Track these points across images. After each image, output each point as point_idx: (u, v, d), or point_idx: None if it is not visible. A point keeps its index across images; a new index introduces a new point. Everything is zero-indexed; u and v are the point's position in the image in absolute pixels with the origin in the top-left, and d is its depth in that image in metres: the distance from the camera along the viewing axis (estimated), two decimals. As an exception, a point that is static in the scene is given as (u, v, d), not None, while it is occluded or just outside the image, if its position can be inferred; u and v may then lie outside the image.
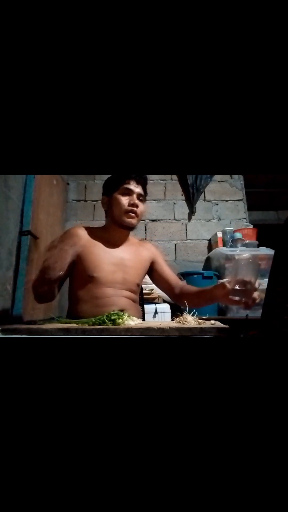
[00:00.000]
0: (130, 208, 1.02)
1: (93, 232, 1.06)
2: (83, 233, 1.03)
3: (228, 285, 0.84)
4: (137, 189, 1.04)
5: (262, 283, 0.73)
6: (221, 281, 0.86)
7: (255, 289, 0.78)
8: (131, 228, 1.05)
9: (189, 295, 1.04)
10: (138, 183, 1.05)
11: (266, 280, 0.58)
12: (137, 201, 1.03)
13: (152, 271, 1.15)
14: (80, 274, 0.98)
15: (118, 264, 1.02)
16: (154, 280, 1.17)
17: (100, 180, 2.61)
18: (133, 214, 1.02)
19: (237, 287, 0.80)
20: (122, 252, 1.06)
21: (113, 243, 1.05)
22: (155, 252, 1.16)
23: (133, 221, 1.03)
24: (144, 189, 1.07)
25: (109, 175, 1.11)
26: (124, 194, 1.03)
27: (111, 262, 1.01)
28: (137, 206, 1.03)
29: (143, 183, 1.07)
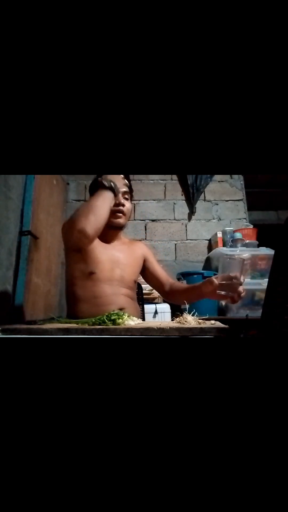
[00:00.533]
0: (116, 208, 1.01)
1: None
2: None
3: (215, 281, 0.87)
4: (122, 186, 1.02)
5: (262, 283, 0.74)
6: (210, 278, 0.88)
7: (240, 283, 0.82)
8: (120, 227, 1.06)
9: (179, 292, 1.07)
10: (122, 179, 1.03)
11: (266, 280, 0.58)
12: (122, 200, 1.02)
13: (144, 269, 1.16)
14: (79, 271, 0.98)
15: (115, 261, 1.03)
16: (145, 278, 1.18)
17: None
18: (120, 214, 1.02)
19: (223, 282, 0.84)
20: (117, 251, 1.06)
21: (107, 242, 1.05)
22: (146, 250, 1.17)
23: (121, 220, 1.03)
24: (129, 186, 1.07)
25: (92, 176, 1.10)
26: None
27: (109, 259, 1.01)
28: (123, 205, 1.02)
29: (127, 178, 1.07)
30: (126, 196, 1.05)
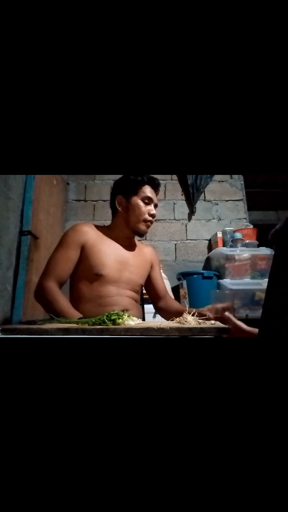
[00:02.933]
0: (149, 218, 1.03)
1: (98, 229, 1.05)
2: (88, 229, 1.02)
3: (211, 315, 0.86)
4: (155, 197, 1.05)
5: (262, 283, 0.75)
6: (201, 309, 0.88)
7: (232, 314, 0.81)
8: (142, 235, 1.07)
9: (169, 313, 1.09)
10: (156, 190, 1.06)
11: (266, 280, 0.58)
12: (155, 211, 1.04)
13: (147, 275, 1.16)
14: (85, 272, 0.97)
15: (123, 263, 1.02)
16: (145, 284, 1.17)
17: (100, 180, 2.61)
18: (150, 224, 1.04)
19: (217, 316, 0.86)
20: (127, 252, 1.06)
21: (119, 243, 1.05)
22: (155, 257, 1.17)
23: (147, 230, 1.05)
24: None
25: (123, 174, 1.10)
26: (144, 202, 1.03)
27: (117, 261, 1.01)
28: (154, 217, 1.04)
29: (158, 190, 1.09)
30: (156, 206, 1.07)
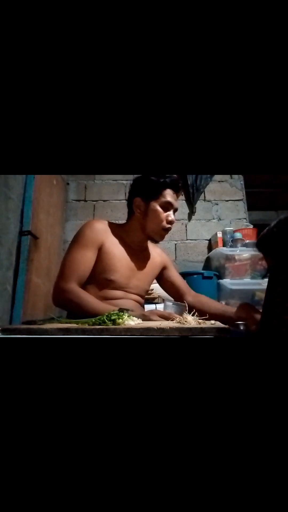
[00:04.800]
0: (168, 226, 0.97)
1: (113, 229, 0.99)
2: (106, 229, 0.97)
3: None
4: (176, 202, 0.98)
5: (262, 283, 0.74)
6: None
7: None
8: (158, 242, 1.03)
9: (207, 312, 0.97)
10: (177, 195, 0.99)
11: (266, 280, 0.58)
12: (174, 218, 0.98)
13: (162, 277, 1.13)
14: (96, 274, 0.94)
15: (134, 269, 1.00)
16: (163, 286, 1.14)
17: (100, 180, 2.61)
18: (167, 231, 0.99)
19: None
20: (139, 258, 1.03)
21: (132, 247, 1.01)
22: (166, 258, 1.14)
23: (164, 238, 1.00)
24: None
25: (149, 174, 1.00)
26: (164, 208, 0.96)
27: (129, 267, 0.98)
28: (173, 223, 0.98)
29: (180, 193, 1.01)
30: (174, 212, 1.00)
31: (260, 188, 3.15)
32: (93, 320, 0.70)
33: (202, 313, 0.96)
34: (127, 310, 0.78)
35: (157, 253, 1.12)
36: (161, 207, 0.96)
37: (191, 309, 1.04)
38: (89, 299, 0.86)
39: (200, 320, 0.71)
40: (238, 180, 2.65)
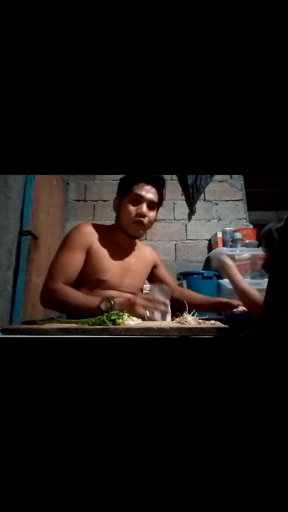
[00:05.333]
0: (136, 218, 0.95)
1: (101, 231, 1.01)
2: (93, 231, 0.98)
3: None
4: (149, 194, 0.96)
5: (262, 283, 0.74)
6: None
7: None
8: (137, 237, 1.03)
9: (191, 303, 1.06)
10: (151, 186, 0.97)
11: (266, 280, 0.58)
12: (144, 210, 0.95)
13: (153, 274, 1.15)
14: (87, 275, 0.95)
15: (125, 268, 1.00)
16: (153, 283, 1.16)
17: (100, 180, 2.61)
18: (140, 225, 0.97)
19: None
20: (129, 257, 1.03)
21: (121, 246, 1.02)
22: (156, 256, 1.16)
23: (140, 231, 0.99)
24: (159, 192, 1.00)
25: (123, 175, 1.03)
26: (133, 201, 0.96)
27: (120, 266, 0.99)
28: (144, 216, 0.96)
29: (158, 186, 0.99)
30: (152, 205, 0.98)
31: (260, 188, 3.15)
32: (93, 320, 0.71)
33: (188, 305, 1.05)
34: (112, 297, 0.79)
35: (148, 251, 1.13)
36: (132, 201, 0.97)
37: (178, 303, 1.12)
38: (75, 294, 0.86)
39: (200, 320, 0.71)
40: (238, 180, 2.65)
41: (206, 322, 0.70)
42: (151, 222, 1.00)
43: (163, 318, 0.81)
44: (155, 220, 1.03)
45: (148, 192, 0.96)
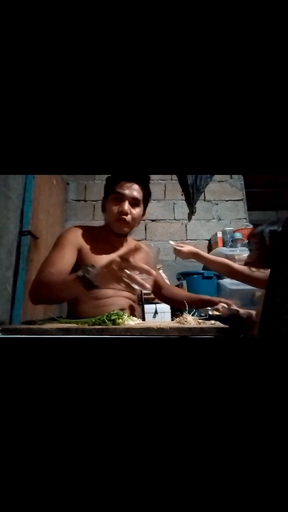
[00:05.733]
0: (119, 216, 0.96)
1: (90, 232, 1.02)
2: (83, 233, 1.00)
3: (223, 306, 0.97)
4: (131, 191, 0.96)
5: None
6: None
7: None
8: (123, 235, 1.03)
9: (177, 300, 1.15)
10: (133, 183, 0.97)
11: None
12: (126, 208, 0.95)
13: None
14: None
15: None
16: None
17: (100, 180, 2.61)
18: (123, 223, 0.97)
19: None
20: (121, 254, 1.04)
21: (111, 245, 1.02)
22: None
23: (125, 229, 0.99)
24: (144, 190, 1.00)
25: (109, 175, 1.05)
26: (115, 200, 0.97)
27: None
28: (127, 214, 0.96)
29: (142, 182, 1.00)
30: (136, 202, 0.98)
31: (260, 188, 3.15)
32: (93, 320, 0.71)
33: (174, 301, 1.17)
34: (92, 264, 0.75)
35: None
36: (114, 200, 0.97)
37: (166, 300, 1.20)
38: (57, 275, 0.84)
39: (200, 320, 0.71)
40: (238, 180, 2.65)
41: (206, 322, 0.70)
42: (135, 219, 1.00)
43: (142, 286, 0.69)
44: (142, 216, 1.03)
45: (130, 189, 0.96)
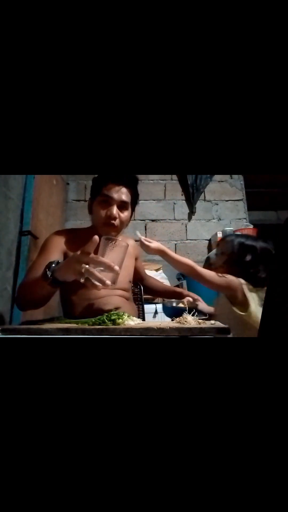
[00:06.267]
0: (107, 221, 0.93)
1: (75, 235, 1.00)
2: (62, 238, 0.97)
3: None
4: (119, 195, 0.93)
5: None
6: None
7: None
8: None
9: (156, 291, 1.29)
10: (121, 186, 0.93)
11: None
12: (114, 212, 0.92)
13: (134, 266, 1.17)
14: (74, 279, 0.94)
15: None
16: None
17: (100, 180, 2.61)
18: (111, 227, 0.94)
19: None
20: (111, 253, 1.02)
21: (99, 245, 1.01)
22: (137, 251, 1.18)
23: (112, 233, 0.96)
24: (132, 190, 0.98)
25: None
26: (102, 203, 0.94)
27: None
28: (115, 218, 0.93)
29: (130, 185, 0.96)
30: (124, 205, 0.96)
31: (260, 188, 3.15)
32: (93, 320, 0.71)
33: (153, 292, 1.30)
34: (57, 262, 0.74)
35: (130, 245, 1.09)
36: (101, 202, 0.94)
37: (146, 290, 1.30)
38: (32, 274, 0.84)
39: (200, 320, 0.71)
40: (238, 180, 2.65)
41: (206, 322, 0.70)
42: (124, 223, 0.98)
43: (101, 281, 0.65)
44: (130, 219, 1.02)
45: (118, 193, 0.93)
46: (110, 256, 0.68)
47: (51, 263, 0.74)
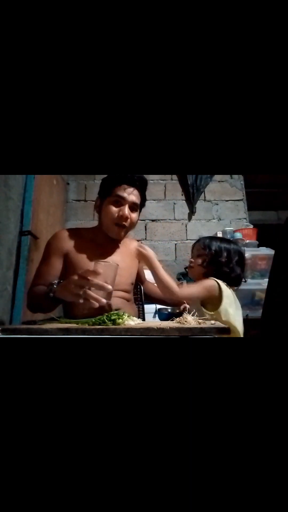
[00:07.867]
0: (118, 221, 0.95)
1: (81, 234, 1.01)
2: (70, 237, 0.98)
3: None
4: (131, 196, 0.95)
5: (262, 283, 0.75)
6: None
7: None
8: (118, 240, 1.02)
9: (153, 297, 1.27)
10: (133, 188, 0.96)
11: (266, 280, 0.58)
12: (126, 213, 0.94)
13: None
14: None
15: None
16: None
17: (100, 180, 2.61)
18: (122, 228, 0.96)
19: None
20: (113, 255, 1.02)
21: (104, 246, 1.01)
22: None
23: (122, 233, 0.98)
24: (142, 193, 1.00)
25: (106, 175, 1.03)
26: (115, 203, 0.95)
27: None
28: (126, 219, 0.95)
29: (141, 188, 0.99)
30: (134, 207, 0.97)
31: (260, 188, 3.15)
32: (93, 320, 0.71)
33: (150, 297, 1.28)
34: (59, 282, 0.80)
35: (134, 246, 1.11)
36: (113, 202, 0.96)
37: (146, 295, 1.27)
38: (39, 288, 0.91)
39: (200, 320, 0.71)
40: (238, 180, 2.65)
41: (206, 322, 0.70)
42: (133, 224, 0.99)
43: (98, 301, 0.70)
44: (137, 221, 1.03)
45: (131, 194, 0.95)
46: (103, 277, 0.73)
47: (52, 284, 0.81)
